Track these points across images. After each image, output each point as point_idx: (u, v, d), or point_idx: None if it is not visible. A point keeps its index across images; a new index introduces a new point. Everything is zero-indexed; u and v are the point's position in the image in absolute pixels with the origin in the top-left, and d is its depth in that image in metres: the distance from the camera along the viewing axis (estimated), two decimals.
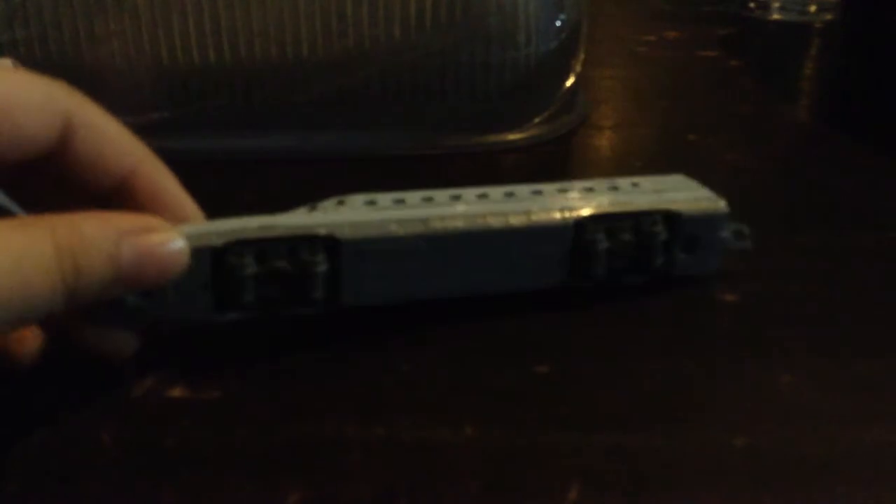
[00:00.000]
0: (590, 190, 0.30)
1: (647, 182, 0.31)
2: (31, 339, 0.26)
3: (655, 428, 0.25)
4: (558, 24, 0.44)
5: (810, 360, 0.28)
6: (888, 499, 0.23)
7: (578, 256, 0.29)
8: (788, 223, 0.36)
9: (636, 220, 0.30)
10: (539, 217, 0.29)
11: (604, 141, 0.46)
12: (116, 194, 0.26)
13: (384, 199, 0.30)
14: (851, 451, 0.25)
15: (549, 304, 0.30)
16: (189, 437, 0.25)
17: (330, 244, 0.27)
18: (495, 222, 0.29)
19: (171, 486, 0.24)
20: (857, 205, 0.38)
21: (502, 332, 0.29)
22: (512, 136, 0.44)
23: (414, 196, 0.30)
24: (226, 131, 0.43)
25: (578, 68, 0.47)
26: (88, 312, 0.25)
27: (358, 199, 0.29)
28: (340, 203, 0.29)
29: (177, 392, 0.27)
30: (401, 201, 0.29)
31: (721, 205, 0.30)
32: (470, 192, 0.30)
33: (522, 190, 0.30)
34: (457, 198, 0.29)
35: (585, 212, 0.29)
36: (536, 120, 0.45)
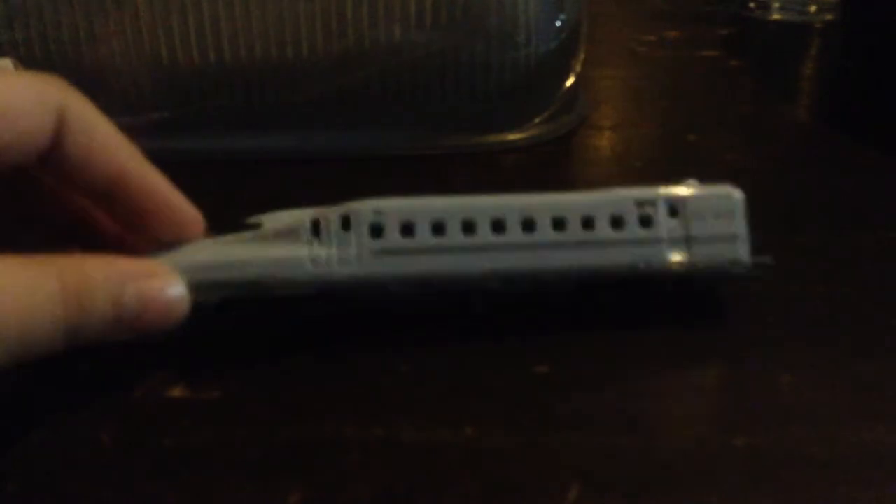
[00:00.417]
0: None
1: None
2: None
3: (655, 428, 0.25)
4: (558, 24, 0.44)
5: (810, 360, 0.28)
6: (888, 499, 0.23)
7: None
8: (788, 223, 0.36)
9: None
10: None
11: (604, 141, 0.46)
12: (107, 196, 0.26)
13: (411, 215, 0.29)
14: (851, 451, 0.25)
15: (549, 305, 0.30)
16: (189, 437, 0.25)
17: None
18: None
19: (171, 486, 0.24)
20: (857, 205, 0.38)
21: (502, 333, 0.29)
22: (512, 136, 0.44)
23: (453, 222, 0.29)
24: (226, 131, 0.43)
25: (578, 68, 0.47)
26: None
27: (367, 213, 0.28)
28: (348, 219, 0.28)
29: (177, 392, 0.27)
30: (439, 230, 0.29)
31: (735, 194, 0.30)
32: (515, 221, 0.29)
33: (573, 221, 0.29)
34: (500, 228, 0.29)
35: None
36: (536, 120, 0.45)
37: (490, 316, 0.30)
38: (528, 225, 0.29)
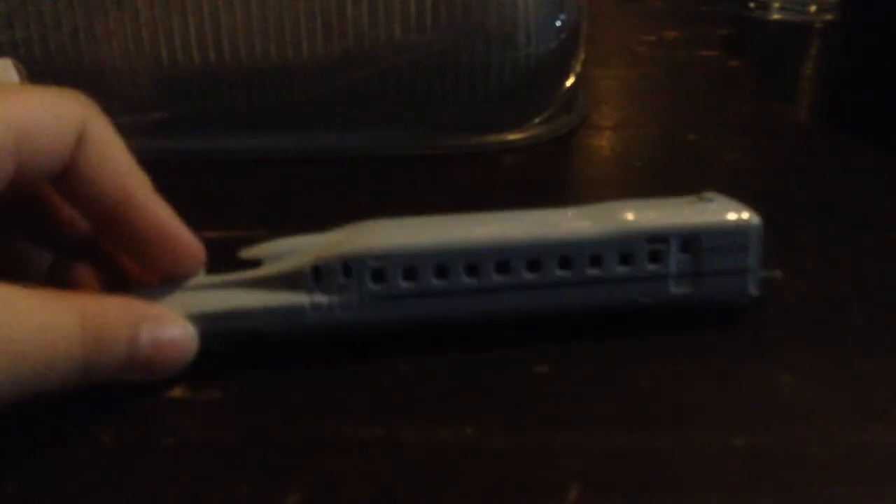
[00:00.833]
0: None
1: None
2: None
3: (655, 428, 0.25)
4: (558, 24, 0.44)
5: (810, 360, 0.28)
6: (888, 499, 0.23)
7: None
8: (788, 223, 0.36)
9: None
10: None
11: (604, 141, 0.46)
12: (109, 220, 0.26)
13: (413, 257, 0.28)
14: (851, 451, 0.25)
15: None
16: (189, 437, 0.25)
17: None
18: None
19: (171, 486, 0.24)
20: (857, 205, 0.38)
21: (502, 333, 0.29)
22: (512, 136, 0.44)
23: (457, 265, 0.28)
24: (226, 131, 0.43)
25: (578, 68, 0.47)
26: None
27: (369, 259, 0.27)
28: (349, 266, 0.27)
29: (177, 392, 0.27)
30: (442, 273, 0.28)
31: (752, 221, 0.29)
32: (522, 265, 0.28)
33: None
34: (505, 269, 0.28)
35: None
36: (536, 120, 0.45)
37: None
38: (534, 265, 0.28)
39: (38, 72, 0.38)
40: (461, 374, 0.28)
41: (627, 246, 0.28)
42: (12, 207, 0.26)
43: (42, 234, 0.28)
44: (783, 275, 0.30)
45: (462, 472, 0.24)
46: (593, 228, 0.28)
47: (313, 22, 0.41)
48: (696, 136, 0.46)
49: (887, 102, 0.50)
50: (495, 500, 0.23)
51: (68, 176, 0.25)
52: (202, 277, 0.28)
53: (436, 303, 0.28)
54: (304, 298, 0.27)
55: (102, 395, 0.27)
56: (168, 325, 0.25)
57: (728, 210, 0.29)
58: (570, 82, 0.46)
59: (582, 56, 0.47)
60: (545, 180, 0.42)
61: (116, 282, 0.28)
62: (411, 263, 0.27)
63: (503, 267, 0.28)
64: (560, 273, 0.28)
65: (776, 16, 0.66)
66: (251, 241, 0.29)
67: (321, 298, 0.27)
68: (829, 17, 0.65)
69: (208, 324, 0.27)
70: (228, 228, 0.35)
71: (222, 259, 0.28)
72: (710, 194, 0.30)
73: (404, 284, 0.27)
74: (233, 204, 0.39)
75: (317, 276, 0.27)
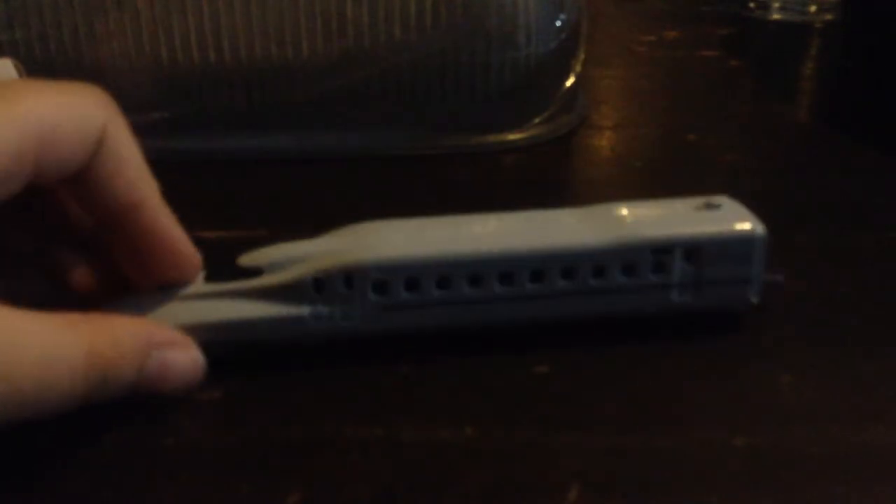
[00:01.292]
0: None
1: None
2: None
3: (655, 428, 0.25)
4: (558, 24, 0.44)
5: (810, 360, 0.28)
6: (888, 499, 0.23)
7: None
8: (788, 223, 0.36)
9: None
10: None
11: (604, 141, 0.46)
12: (114, 225, 0.26)
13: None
14: (851, 451, 0.25)
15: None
16: (189, 437, 0.25)
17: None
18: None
19: (171, 486, 0.24)
20: (857, 205, 0.38)
21: (502, 333, 0.29)
22: (512, 136, 0.44)
23: (459, 276, 0.27)
24: (226, 131, 0.43)
25: (578, 68, 0.47)
26: None
27: (371, 270, 0.27)
28: (351, 277, 0.27)
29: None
30: (444, 284, 0.28)
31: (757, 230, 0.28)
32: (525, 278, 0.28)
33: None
34: (508, 280, 0.28)
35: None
36: (536, 120, 0.45)
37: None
38: (537, 276, 0.28)
39: (38, 72, 0.38)
40: (461, 375, 0.28)
41: (631, 257, 0.28)
42: (17, 204, 0.26)
43: (43, 231, 0.27)
44: (784, 279, 0.30)
45: (462, 472, 0.24)
46: (598, 239, 0.28)
47: (313, 22, 0.41)
48: (696, 136, 0.46)
49: (887, 102, 0.50)
50: (495, 500, 0.23)
51: (81, 178, 0.24)
52: (203, 286, 0.27)
53: (437, 313, 0.28)
54: (305, 309, 0.27)
55: None
56: (178, 350, 0.25)
57: (733, 219, 0.29)
58: (570, 82, 0.46)
59: (582, 56, 0.47)
60: (545, 180, 0.42)
61: (113, 282, 0.28)
62: (413, 274, 0.27)
63: (506, 278, 0.28)
64: (563, 283, 0.28)
65: (776, 16, 0.66)
66: (251, 242, 0.29)
67: (322, 309, 0.27)
68: (829, 17, 0.65)
69: (210, 334, 0.27)
70: (228, 228, 0.35)
71: (223, 261, 0.28)
72: (717, 199, 0.29)
73: (406, 295, 0.27)
74: (233, 204, 0.39)
75: (318, 287, 0.27)
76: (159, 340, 0.25)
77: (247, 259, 0.28)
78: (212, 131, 0.43)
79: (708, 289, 0.29)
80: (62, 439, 0.25)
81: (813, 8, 0.65)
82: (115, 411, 0.26)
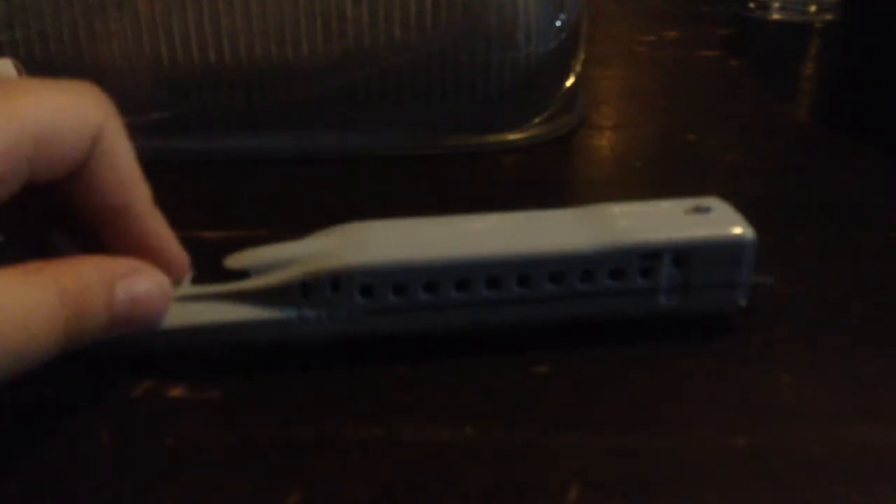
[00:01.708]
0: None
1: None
2: None
3: (655, 428, 0.25)
4: (558, 24, 0.44)
5: (810, 360, 0.28)
6: (888, 499, 0.23)
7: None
8: (788, 223, 0.36)
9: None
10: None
11: (604, 141, 0.46)
12: (103, 225, 0.26)
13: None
14: (851, 451, 0.25)
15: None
16: (189, 437, 0.25)
17: None
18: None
19: (171, 486, 0.24)
20: (858, 205, 0.38)
21: (501, 333, 0.29)
22: (512, 136, 0.44)
23: (447, 281, 0.27)
24: (226, 131, 0.43)
25: (578, 68, 0.47)
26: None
27: (358, 274, 0.27)
28: (338, 281, 0.27)
29: (177, 392, 0.27)
30: (431, 288, 0.27)
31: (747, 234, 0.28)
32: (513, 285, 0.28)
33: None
34: (496, 284, 0.27)
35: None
36: (536, 120, 0.45)
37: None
38: (524, 280, 0.28)
39: (38, 72, 0.38)
40: (461, 375, 0.28)
41: (619, 262, 0.28)
42: (12, 202, 0.26)
43: (37, 228, 0.27)
44: (773, 281, 0.30)
45: (462, 472, 0.24)
46: (586, 244, 0.28)
47: (313, 22, 0.41)
48: (696, 136, 0.46)
49: (887, 102, 0.50)
50: (495, 500, 0.23)
51: (73, 178, 0.24)
52: (190, 287, 0.27)
53: (424, 316, 0.28)
54: (292, 312, 0.27)
55: (102, 395, 0.27)
56: (142, 279, 0.25)
57: (723, 224, 0.29)
58: (570, 82, 0.46)
59: (582, 56, 0.47)
60: (545, 180, 0.42)
61: None
62: (401, 279, 0.27)
63: (493, 282, 0.28)
64: (550, 287, 0.28)
65: (776, 16, 0.66)
66: (251, 241, 0.29)
67: (309, 312, 0.27)
68: (829, 17, 0.65)
69: (197, 338, 0.27)
70: (228, 228, 0.35)
71: (212, 263, 0.28)
72: (708, 201, 0.29)
73: (393, 299, 0.27)
74: (233, 204, 0.39)
75: (305, 290, 0.27)
76: (122, 272, 0.24)
77: (234, 261, 0.28)
78: (212, 131, 0.43)
79: (696, 293, 0.29)
80: (62, 439, 0.25)
81: (813, 8, 0.65)
82: (116, 411, 0.26)
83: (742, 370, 0.28)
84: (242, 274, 0.28)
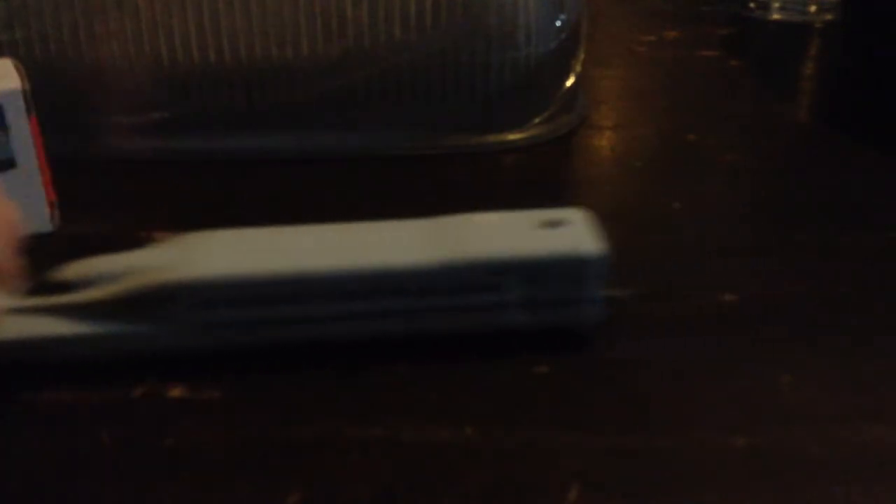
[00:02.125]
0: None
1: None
2: None
3: (655, 428, 0.25)
4: (558, 24, 0.44)
5: (810, 360, 0.28)
6: (888, 499, 0.23)
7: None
8: (788, 223, 0.36)
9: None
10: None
11: (604, 141, 0.46)
12: None
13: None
14: (851, 451, 0.25)
15: None
16: (189, 437, 0.25)
17: None
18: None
19: (171, 486, 0.24)
20: (857, 204, 0.38)
21: (502, 333, 0.29)
22: (512, 136, 0.44)
23: (281, 295, 0.27)
24: (226, 131, 0.43)
25: (578, 68, 0.47)
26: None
27: (185, 290, 0.26)
28: (168, 296, 0.27)
29: (177, 392, 0.27)
30: (266, 302, 0.27)
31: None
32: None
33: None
34: (332, 298, 0.27)
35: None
36: (536, 120, 0.45)
37: None
38: (361, 295, 0.27)
39: (38, 72, 0.38)
40: (461, 375, 0.28)
41: (459, 277, 0.27)
42: None
43: None
44: (627, 294, 0.29)
45: (462, 472, 0.24)
46: (426, 259, 0.27)
47: (313, 22, 0.41)
48: (696, 136, 0.46)
49: (887, 102, 0.50)
50: (495, 500, 0.23)
51: None
52: (19, 301, 0.27)
53: (262, 330, 0.27)
54: (123, 326, 0.27)
55: (102, 395, 0.27)
56: None
57: (570, 240, 0.28)
58: (570, 82, 0.46)
59: (582, 56, 0.47)
60: (545, 180, 0.42)
61: None
62: (236, 294, 0.27)
63: (328, 297, 0.27)
64: (388, 303, 0.27)
65: (776, 16, 0.66)
66: None
67: (141, 326, 0.27)
68: (829, 17, 0.65)
69: (21, 350, 0.26)
70: (228, 228, 0.35)
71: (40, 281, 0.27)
72: (567, 213, 0.29)
73: (229, 313, 0.27)
74: (233, 204, 0.39)
75: (136, 304, 0.27)
76: None
77: (70, 272, 0.27)
78: (212, 131, 0.43)
79: (543, 309, 0.28)
80: (62, 439, 0.25)
81: (813, 8, 0.65)
82: (116, 411, 0.26)
83: (742, 370, 0.28)
84: (78, 285, 0.27)
